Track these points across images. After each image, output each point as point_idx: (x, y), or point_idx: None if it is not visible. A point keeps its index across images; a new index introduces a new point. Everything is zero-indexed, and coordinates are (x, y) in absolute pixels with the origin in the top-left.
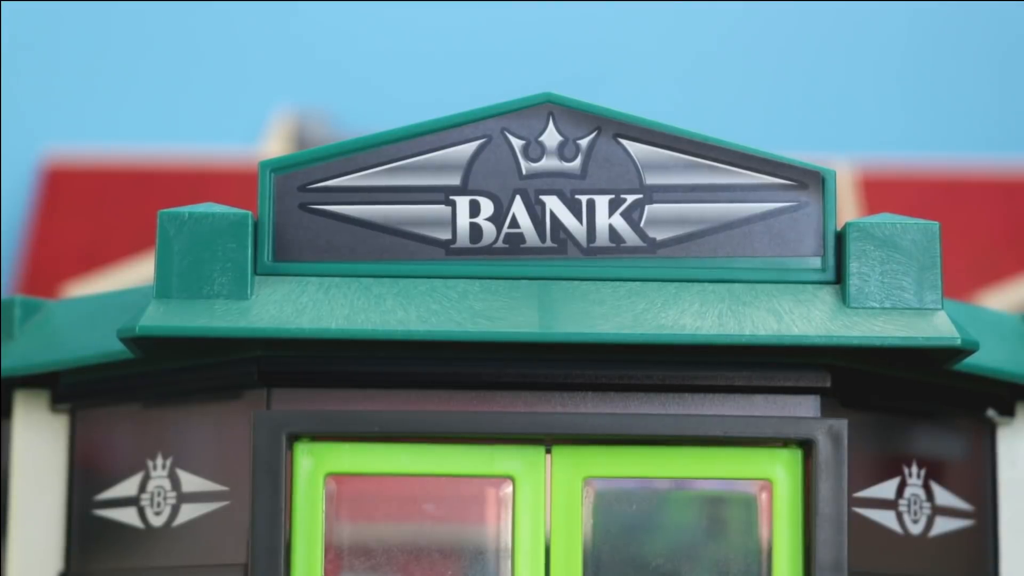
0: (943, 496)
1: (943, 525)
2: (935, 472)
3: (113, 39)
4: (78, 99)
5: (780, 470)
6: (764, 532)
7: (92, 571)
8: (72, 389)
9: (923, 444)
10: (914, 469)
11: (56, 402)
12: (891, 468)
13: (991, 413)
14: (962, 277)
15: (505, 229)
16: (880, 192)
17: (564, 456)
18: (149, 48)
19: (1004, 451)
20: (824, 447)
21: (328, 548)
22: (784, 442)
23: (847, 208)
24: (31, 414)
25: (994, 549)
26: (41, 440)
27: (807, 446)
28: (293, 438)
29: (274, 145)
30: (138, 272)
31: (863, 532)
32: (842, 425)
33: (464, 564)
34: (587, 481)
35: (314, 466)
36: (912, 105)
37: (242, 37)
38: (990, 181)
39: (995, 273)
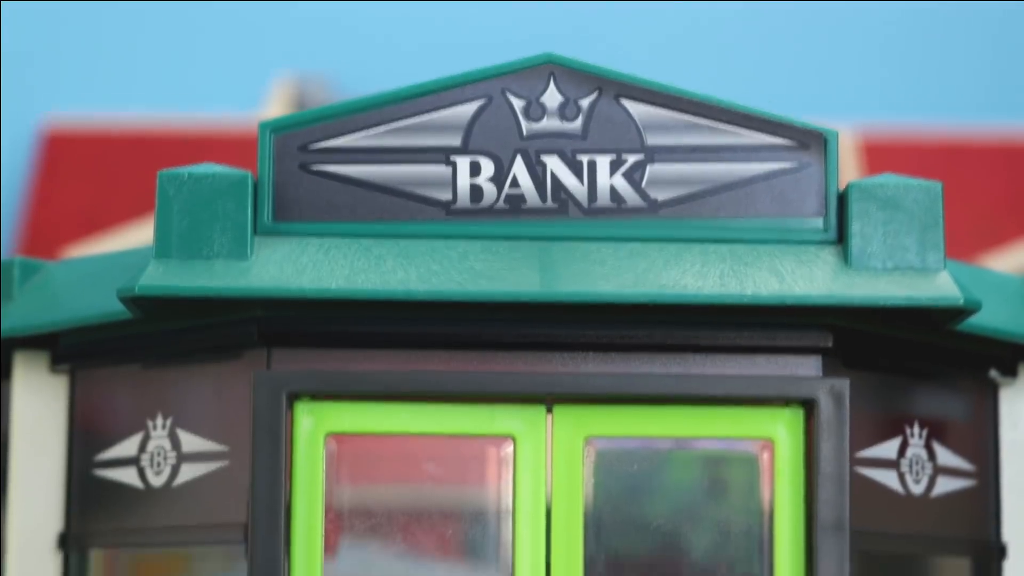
0: (945, 456)
1: (945, 485)
2: (937, 432)
3: (113, 4)
4: (78, 64)
5: (782, 429)
6: (766, 492)
7: (92, 531)
8: (72, 350)
9: (925, 404)
10: (916, 429)
11: (56, 363)
12: (893, 428)
13: (993, 374)
14: (963, 242)
15: (506, 189)
16: (881, 157)
17: (565, 415)
18: (149, 13)
19: (1006, 412)
20: (826, 406)
21: (328, 507)
22: (786, 401)
23: (849, 173)
24: (31, 375)
25: (996, 509)
26: (41, 401)
27: (809, 405)
28: (293, 397)
29: (275, 110)
30: (138, 237)
31: (865, 492)
32: (844, 385)
33: (465, 524)
34: (588, 440)
35: (314, 426)
36: (913, 70)
37: (243, 2)
38: (992, 146)
39: (996, 238)
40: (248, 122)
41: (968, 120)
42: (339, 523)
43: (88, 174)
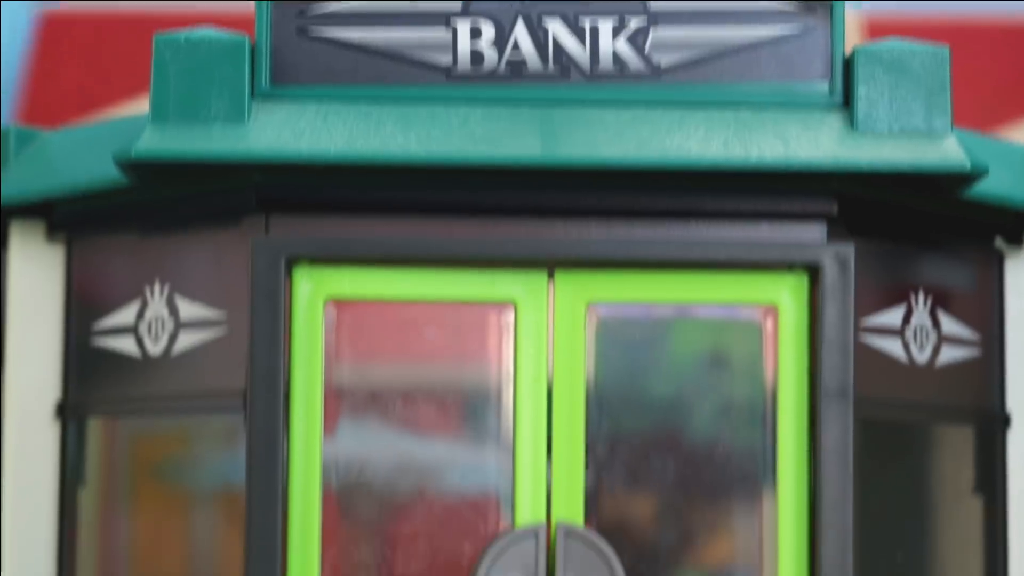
0: (949, 325)
1: (949, 354)
2: (942, 301)
3: None
4: None
5: (786, 295)
6: (769, 359)
7: (90, 400)
8: (68, 218)
9: (930, 273)
10: (921, 298)
11: (52, 231)
12: (897, 296)
13: (999, 242)
14: (967, 122)
15: (507, 54)
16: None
17: (566, 280)
18: None
19: (1011, 281)
20: (830, 272)
21: (328, 373)
22: (790, 267)
23: None
24: (27, 244)
25: (1000, 378)
26: (38, 270)
27: (813, 271)
28: (292, 263)
29: None
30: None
31: (869, 360)
32: (849, 250)
33: (466, 392)
34: (590, 306)
35: (313, 291)
36: None
37: None
38: (997, 26)
39: (1000, 118)
40: (246, 5)
41: (973, 0)
42: (338, 388)
43: (85, 56)
